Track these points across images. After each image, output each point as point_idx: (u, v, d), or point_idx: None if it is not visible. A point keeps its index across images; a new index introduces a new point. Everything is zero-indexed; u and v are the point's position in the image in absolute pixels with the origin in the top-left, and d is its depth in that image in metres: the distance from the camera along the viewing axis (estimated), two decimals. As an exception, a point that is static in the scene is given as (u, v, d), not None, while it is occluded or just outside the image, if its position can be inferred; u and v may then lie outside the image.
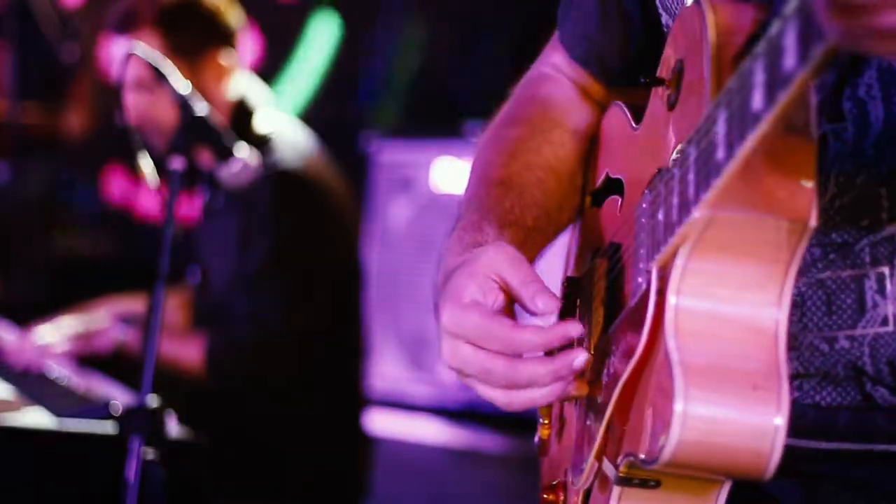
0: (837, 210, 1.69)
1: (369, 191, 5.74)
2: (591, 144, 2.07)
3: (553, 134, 2.05)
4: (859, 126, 1.69)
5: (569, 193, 2.04)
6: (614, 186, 1.93)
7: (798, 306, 1.72)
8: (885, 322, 1.69)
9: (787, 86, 1.33)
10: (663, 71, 1.76)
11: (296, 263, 4.22)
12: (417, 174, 5.62)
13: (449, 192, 5.45)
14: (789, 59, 1.32)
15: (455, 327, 1.74)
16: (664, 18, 1.94)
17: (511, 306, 1.77)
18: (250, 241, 4.20)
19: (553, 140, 2.04)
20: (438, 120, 5.77)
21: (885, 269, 1.68)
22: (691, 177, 1.54)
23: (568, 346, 1.73)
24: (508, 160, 2.01)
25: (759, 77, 1.38)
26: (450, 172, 5.51)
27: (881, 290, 1.69)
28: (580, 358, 1.68)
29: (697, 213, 1.52)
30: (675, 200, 1.58)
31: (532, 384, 1.71)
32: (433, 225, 5.46)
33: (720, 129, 1.47)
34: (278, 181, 4.15)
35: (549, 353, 1.74)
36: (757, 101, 1.38)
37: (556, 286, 1.89)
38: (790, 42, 1.32)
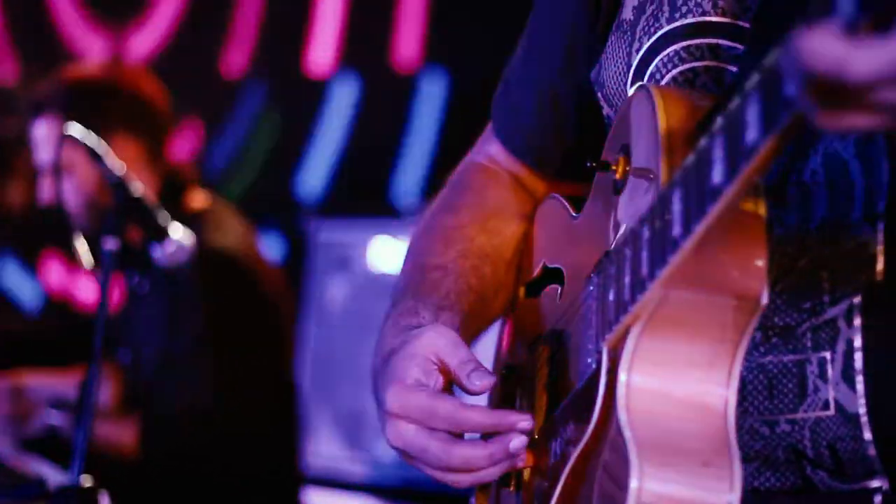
0: (779, 293, 1.70)
1: (307, 270, 5.74)
2: (525, 236, 2.09)
3: (489, 223, 2.07)
4: (802, 211, 1.70)
5: (503, 282, 2.05)
6: (552, 276, 1.95)
7: (738, 390, 1.68)
8: (826, 406, 1.69)
9: (749, 158, 1.34)
10: (608, 157, 1.77)
11: (225, 343, 4.21)
12: (355, 253, 5.63)
13: (386, 272, 5.46)
14: (751, 133, 1.33)
15: (399, 408, 1.75)
16: (605, 110, 1.95)
17: (450, 387, 1.78)
18: (179, 321, 4.20)
19: (489, 229, 2.06)
20: (375, 200, 5.80)
21: (827, 354, 1.69)
22: (645, 255, 1.55)
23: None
24: (444, 248, 2.02)
25: (719, 153, 1.40)
26: (387, 252, 5.53)
27: (822, 374, 1.69)
28: (516, 442, 1.69)
29: (652, 291, 1.53)
30: (628, 280, 1.59)
31: (468, 467, 1.72)
32: (371, 304, 5.46)
33: (676, 206, 1.48)
34: (207, 261, 4.14)
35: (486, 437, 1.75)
36: (717, 175, 1.39)
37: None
38: (752, 116, 1.33)
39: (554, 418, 1.79)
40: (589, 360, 1.69)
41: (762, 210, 1.52)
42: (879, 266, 1.66)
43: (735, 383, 1.56)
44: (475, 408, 1.73)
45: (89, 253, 3.29)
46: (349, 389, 5.58)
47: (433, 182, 5.52)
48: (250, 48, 6.28)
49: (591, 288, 1.72)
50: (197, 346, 4.16)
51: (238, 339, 4.24)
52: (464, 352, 1.77)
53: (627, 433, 1.54)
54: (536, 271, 2.01)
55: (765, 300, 1.53)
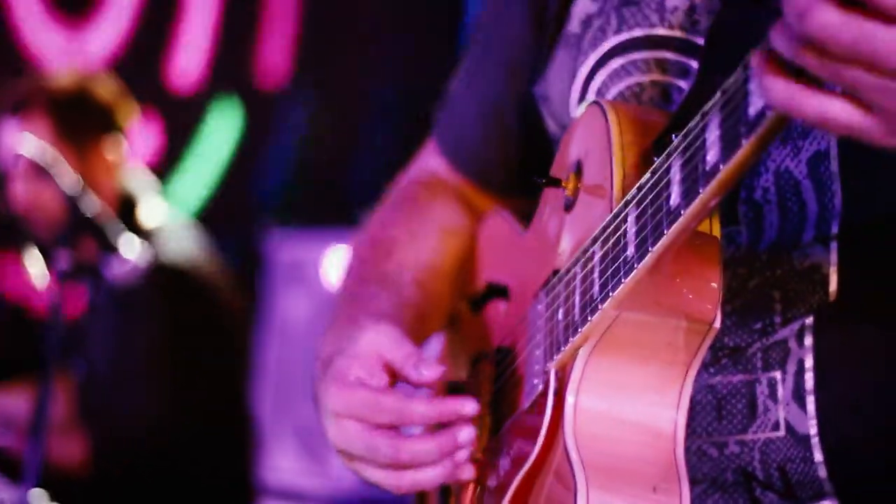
0: (729, 314, 1.67)
1: (265, 282, 5.72)
2: (467, 251, 2.05)
3: (429, 237, 2.04)
4: (754, 230, 1.67)
5: (442, 296, 2.01)
6: (496, 292, 1.91)
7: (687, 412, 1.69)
8: (776, 427, 1.66)
9: (709, 181, 1.32)
10: (558, 174, 1.74)
11: (178, 358, 4.19)
12: (315, 266, 5.61)
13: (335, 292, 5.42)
14: (712, 155, 1.32)
15: (341, 406, 1.70)
16: (551, 126, 1.92)
17: (395, 385, 1.73)
18: (132, 335, 4.18)
19: (429, 243, 2.03)
20: (335, 210, 5.78)
21: (777, 374, 1.66)
22: (596, 276, 1.53)
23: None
24: (384, 260, 1.99)
25: (677, 174, 1.38)
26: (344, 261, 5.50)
27: (773, 394, 1.66)
28: (464, 432, 1.64)
29: (604, 312, 1.50)
30: (578, 300, 1.57)
31: (416, 462, 1.66)
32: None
33: (630, 227, 1.46)
34: (161, 276, 4.12)
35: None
36: (675, 197, 1.38)
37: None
38: (712, 137, 1.32)
39: (498, 438, 1.76)
40: (535, 381, 1.66)
41: (717, 231, 1.50)
42: (833, 287, 1.64)
43: (685, 406, 1.55)
44: (419, 399, 1.67)
45: (42, 265, 3.27)
46: (308, 404, 5.54)
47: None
48: (204, 57, 6.26)
49: (540, 307, 1.69)
50: (149, 361, 4.14)
51: (191, 354, 4.23)
52: (408, 346, 1.72)
53: (574, 456, 1.52)
54: (479, 287, 1.97)
55: (717, 323, 1.51)
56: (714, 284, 1.50)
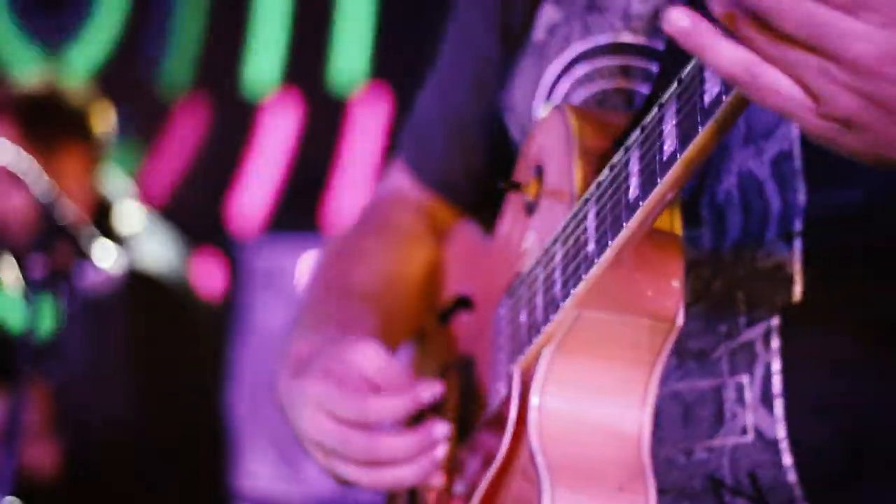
0: (694, 317, 1.65)
1: (242, 290, 5.71)
2: (435, 263, 2.05)
3: (398, 249, 2.04)
4: (717, 231, 1.67)
5: (410, 308, 2.00)
6: (461, 304, 1.91)
7: (653, 419, 1.65)
8: (744, 432, 1.65)
9: (666, 170, 1.32)
10: (519, 179, 1.75)
11: (153, 366, 4.18)
12: (290, 272, 5.60)
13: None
14: (669, 144, 1.32)
15: (315, 396, 1.70)
16: (515, 135, 1.91)
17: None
18: (107, 343, 4.17)
19: (398, 255, 2.04)
20: (312, 217, 5.77)
21: (744, 378, 1.65)
22: (558, 274, 1.53)
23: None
24: (352, 270, 1.99)
25: (635, 166, 1.38)
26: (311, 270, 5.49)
27: (740, 399, 1.65)
28: (440, 428, 1.64)
29: (566, 310, 1.50)
30: (540, 300, 1.57)
31: (393, 458, 1.66)
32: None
33: (591, 223, 1.46)
34: (136, 284, 4.11)
35: None
36: (633, 189, 1.38)
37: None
38: (669, 127, 1.32)
39: (465, 445, 1.76)
40: (499, 385, 1.66)
41: (678, 229, 1.51)
42: (797, 286, 1.63)
43: (650, 407, 1.54)
44: (385, 394, 1.68)
45: (17, 271, 3.25)
46: (284, 410, 5.53)
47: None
48: (190, 65, 6.24)
49: (502, 311, 1.69)
50: (124, 369, 4.13)
51: (166, 361, 4.22)
52: (385, 359, 1.72)
53: (539, 458, 1.52)
54: (446, 298, 1.97)
55: (680, 321, 1.51)
56: (675, 282, 1.50)
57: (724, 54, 1.20)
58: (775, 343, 1.64)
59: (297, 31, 5.88)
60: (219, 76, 6.12)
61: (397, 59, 5.46)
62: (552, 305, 1.54)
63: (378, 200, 2.14)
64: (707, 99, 1.27)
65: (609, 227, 1.43)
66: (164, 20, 6.31)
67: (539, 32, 1.86)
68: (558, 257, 1.54)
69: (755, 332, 1.65)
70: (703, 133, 1.28)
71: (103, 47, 6.41)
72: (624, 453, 1.53)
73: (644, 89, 1.72)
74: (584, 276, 1.47)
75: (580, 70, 1.79)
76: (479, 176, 2.05)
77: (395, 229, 2.07)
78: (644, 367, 1.54)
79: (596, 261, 1.45)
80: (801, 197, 1.62)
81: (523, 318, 1.61)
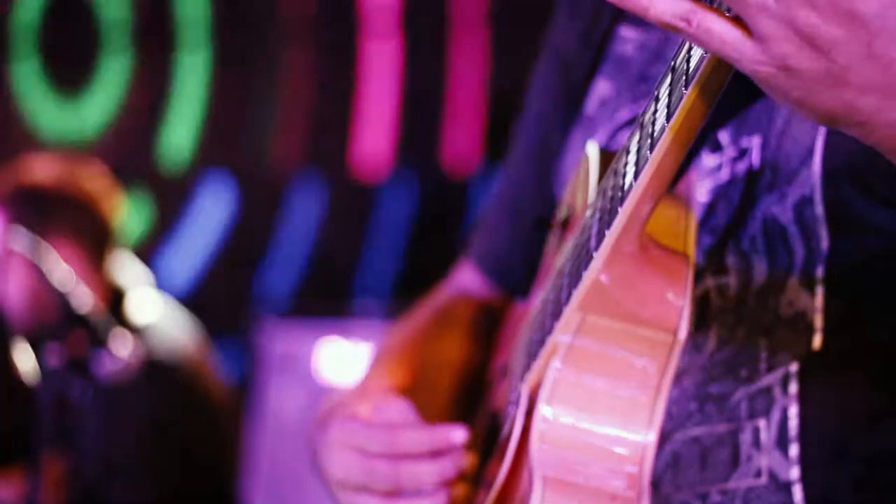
0: (717, 363, 1.67)
1: (260, 376, 5.69)
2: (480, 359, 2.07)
3: (455, 341, 2.06)
4: (743, 278, 1.67)
5: (453, 390, 2.02)
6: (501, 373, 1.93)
7: (671, 465, 1.68)
8: (758, 474, 1.64)
9: (655, 144, 1.34)
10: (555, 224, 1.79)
11: (168, 453, 4.17)
12: (307, 358, 5.59)
13: (338, 374, 5.43)
14: (660, 120, 1.34)
15: (341, 435, 1.73)
16: None
17: None
18: (122, 431, 4.16)
19: (454, 345, 2.05)
20: (329, 300, 5.77)
21: (761, 422, 1.64)
22: (565, 282, 1.54)
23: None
24: (408, 350, 2.01)
25: (632, 158, 1.40)
26: (339, 354, 5.49)
27: (756, 442, 1.65)
28: (459, 452, 1.67)
29: (568, 314, 1.51)
30: (549, 311, 1.58)
31: (416, 483, 1.68)
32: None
33: (593, 225, 1.48)
34: (151, 373, 4.11)
35: None
36: (629, 177, 1.40)
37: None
38: (662, 106, 1.34)
39: (481, 474, 1.78)
40: (511, 407, 1.67)
41: (690, 251, 1.52)
42: (817, 334, 1.63)
43: (657, 423, 1.53)
44: (411, 427, 1.71)
45: (32, 359, 3.25)
46: (301, 494, 5.51)
47: (395, 284, 5.51)
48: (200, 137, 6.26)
49: (521, 340, 1.71)
50: (140, 457, 4.11)
51: (182, 449, 4.20)
52: (414, 417, 1.75)
53: (535, 464, 1.52)
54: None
55: (682, 334, 1.51)
56: (680, 298, 1.51)
57: (663, 5, 1.23)
58: (793, 388, 1.63)
59: (321, 113, 5.91)
60: (246, 155, 6.15)
61: (422, 146, 5.49)
62: (556, 311, 1.56)
63: (443, 296, 2.16)
64: (691, 68, 1.29)
65: (606, 217, 1.45)
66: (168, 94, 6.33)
67: (591, 106, 1.90)
68: (567, 270, 1.56)
69: (774, 378, 1.64)
70: (686, 97, 1.29)
71: (109, 112, 6.45)
72: (625, 471, 1.52)
73: None
74: (583, 273, 1.49)
75: (625, 136, 1.81)
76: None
77: (455, 322, 2.09)
78: (651, 385, 1.53)
79: (594, 254, 1.46)
80: (824, 244, 1.62)
81: (535, 336, 1.64)
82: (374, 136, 5.69)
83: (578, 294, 1.50)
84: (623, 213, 1.42)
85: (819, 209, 1.62)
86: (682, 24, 1.23)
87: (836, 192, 1.59)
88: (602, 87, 1.89)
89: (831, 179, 1.60)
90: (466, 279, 2.17)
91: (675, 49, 1.36)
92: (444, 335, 2.07)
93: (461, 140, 5.38)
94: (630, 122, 1.82)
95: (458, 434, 1.68)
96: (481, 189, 5.19)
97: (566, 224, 1.73)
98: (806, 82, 1.22)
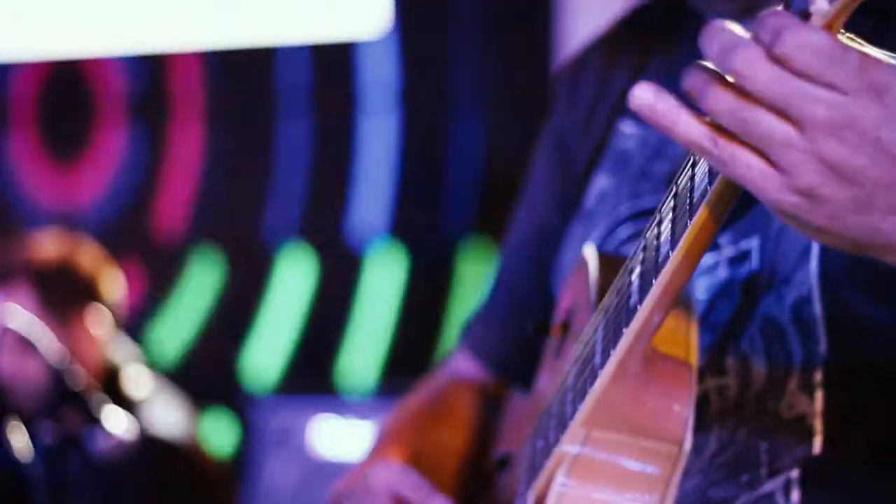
0: (717, 467, 1.66)
1: (253, 453, 5.67)
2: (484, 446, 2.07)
3: (452, 425, 2.05)
4: (742, 380, 1.66)
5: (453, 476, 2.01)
6: (500, 464, 1.92)
7: None
8: None
9: (660, 270, 1.34)
10: (553, 326, 1.79)
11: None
12: (302, 434, 5.56)
13: (332, 455, 5.40)
14: (664, 245, 1.34)
15: None
16: None
17: None
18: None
19: (451, 429, 2.05)
20: (320, 377, 5.75)
21: None
22: (569, 396, 1.54)
23: None
24: (405, 432, 2.02)
25: (637, 278, 1.41)
26: (333, 430, 5.47)
27: None
28: None
29: (573, 428, 1.51)
30: (554, 424, 1.58)
31: None
32: (319, 487, 5.37)
33: (598, 340, 1.48)
34: (145, 450, 4.09)
35: None
36: (633, 298, 1.40)
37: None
38: (665, 228, 1.34)
39: None
40: None
41: (693, 359, 1.52)
42: (818, 438, 1.62)
43: None
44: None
45: (26, 437, 3.24)
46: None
47: (386, 361, 5.49)
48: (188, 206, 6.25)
49: (525, 448, 1.71)
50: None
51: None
52: (416, 478, 1.76)
53: None
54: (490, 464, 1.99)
55: (688, 445, 1.51)
56: (684, 408, 1.50)
57: (689, 125, 1.23)
58: (795, 496, 1.62)
59: (314, 186, 5.92)
60: (233, 228, 6.14)
61: (414, 218, 5.49)
62: (561, 425, 1.55)
63: (439, 381, 2.16)
64: (697, 193, 1.29)
65: (611, 336, 1.45)
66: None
67: (590, 200, 1.90)
68: (570, 382, 1.56)
69: (776, 484, 1.63)
70: (692, 225, 1.30)
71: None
72: None
73: None
74: (588, 389, 1.49)
75: (624, 232, 1.82)
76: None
77: (451, 407, 2.08)
78: (655, 495, 1.53)
79: (599, 372, 1.47)
80: (822, 348, 1.62)
81: (539, 445, 1.63)
82: (368, 208, 5.70)
83: (583, 410, 1.50)
84: (628, 334, 1.42)
85: (817, 308, 1.63)
86: (707, 145, 1.23)
87: (835, 292, 1.60)
88: (602, 182, 1.89)
89: (829, 278, 1.61)
90: (462, 367, 2.16)
91: (675, 148, 1.36)
92: (441, 420, 2.06)
93: (455, 215, 5.39)
94: (630, 218, 1.82)
95: None
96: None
97: (565, 328, 1.72)
98: (832, 210, 1.22)
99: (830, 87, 1.17)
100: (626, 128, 1.89)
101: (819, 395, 1.62)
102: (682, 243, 1.31)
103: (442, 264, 5.30)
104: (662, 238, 1.35)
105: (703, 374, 1.66)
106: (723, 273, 1.69)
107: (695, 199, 1.29)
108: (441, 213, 5.36)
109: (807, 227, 1.25)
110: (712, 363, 1.67)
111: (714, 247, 1.70)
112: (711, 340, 1.69)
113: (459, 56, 5.40)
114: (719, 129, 1.22)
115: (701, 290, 1.70)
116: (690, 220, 1.29)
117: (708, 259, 1.71)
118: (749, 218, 1.69)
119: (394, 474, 1.76)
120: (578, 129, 1.98)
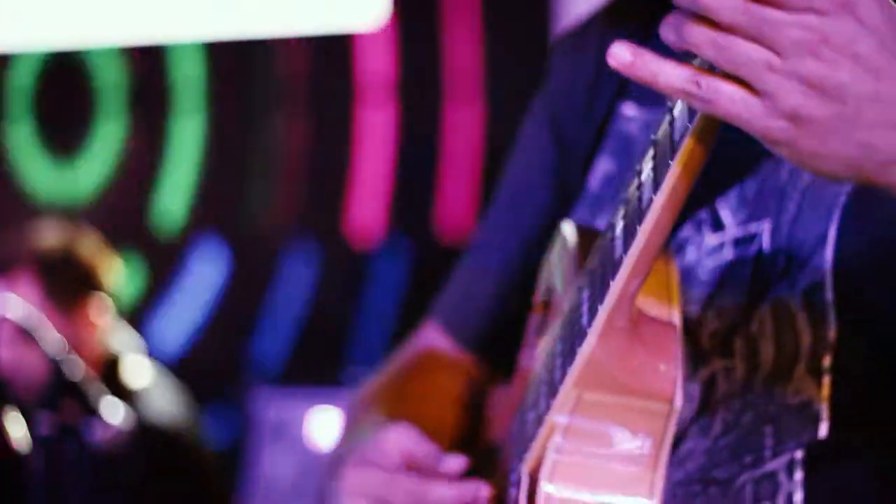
0: (721, 449, 1.65)
1: (253, 444, 5.66)
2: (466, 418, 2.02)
3: (431, 397, 1.99)
4: (749, 363, 1.66)
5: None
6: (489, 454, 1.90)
7: None
8: None
9: (643, 217, 1.35)
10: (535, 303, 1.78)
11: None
12: (300, 425, 5.56)
13: (331, 442, 5.38)
14: (646, 193, 1.35)
15: (358, 486, 1.70)
16: None
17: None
18: (115, 497, 4.13)
19: (431, 402, 1.99)
20: (322, 369, 5.74)
21: None
22: (558, 361, 1.54)
23: None
24: (384, 407, 1.96)
25: (620, 232, 1.41)
26: (332, 421, 5.46)
27: None
28: (484, 491, 1.64)
29: (565, 393, 1.51)
30: (544, 390, 1.57)
31: None
32: (317, 478, 5.37)
33: (584, 297, 1.48)
34: (143, 441, 4.09)
35: None
36: (618, 251, 1.41)
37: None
38: (647, 177, 1.35)
39: None
40: (512, 489, 1.66)
41: (676, 319, 1.53)
42: (824, 424, 1.61)
43: (657, 495, 1.53)
44: (439, 480, 1.67)
45: (24, 427, 3.23)
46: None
47: (387, 352, 5.49)
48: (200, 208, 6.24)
49: (514, 425, 1.70)
50: (131, 527, 4.09)
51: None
52: (428, 443, 1.72)
53: None
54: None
55: (678, 402, 1.51)
56: (672, 366, 1.51)
57: (670, 72, 1.26)
58: (798, 475, 1.61)
59: (316, 179, 5.91)
60: (233, 219, 6.14)
61: (416, 213, 5.48)
62: (552, 391, 1.55)
63: (410, 354, 2.10)
64: (677, 135, 1.31)
65: (598, 292, 1.46)
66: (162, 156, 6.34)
67: (595, 183, 1.89)
68: (559, 349, 1.56)
69: (779, 463, 1.63)
70: (675, 162, 1.31)
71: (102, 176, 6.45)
72: None
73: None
74: (577, 350, 1.49)
75: None
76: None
77: (429, 380, 2.04)
78: (649, 457, 1.53)
79: (588, 330, 1.47)
80: (832, 333, 1.61)
81: (529, 417, 1.63)
82: (369, 200, 5.70)
83: (573, 371, 1.50)
84: (615, 286, 1.43)
85: (829, 295, 1.62)
86: (692, 88, 1.25)
87: (848, 278, 1.59)
88: (605, 165, 1.88)
89: (843, 264, 1.60)
90: (435, 343, 2.09)
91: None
92: (426, 372, 2.03)
93: (456, 206, 5.39)
94: None
95: (484, 490, 1.65)
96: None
97: (547, 306, 1.72)
98: (818, 131, 1.24)
99: (804, 10, 1.20)
100: (629, 110, 1.88)
101: (826, 381, 1.61)
102: (666, 183, 1.33)
103: (442, 256, 5.29)
104: (645, 187, 1.36)
105: (710, 355, 1.66)
106: (728, 254, 1.69)
107: (675, 140, 1.31)
108: (443, 204, 5.35)
109: (800, 156, 1.26)
110: (720, 345, 1.67)
111: (718, 226, 1.70)
112: (720, 322, 1.68)
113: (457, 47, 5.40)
114: (700, 70, 1.25)
115: (707, 270, 1.70)
116: (672, 159, 1.31)
117: (713, 240, 1.70)
118: (760, 200, 1.68)
119: (407, 439, 1.71)
120: (578, 111, 1.95)
